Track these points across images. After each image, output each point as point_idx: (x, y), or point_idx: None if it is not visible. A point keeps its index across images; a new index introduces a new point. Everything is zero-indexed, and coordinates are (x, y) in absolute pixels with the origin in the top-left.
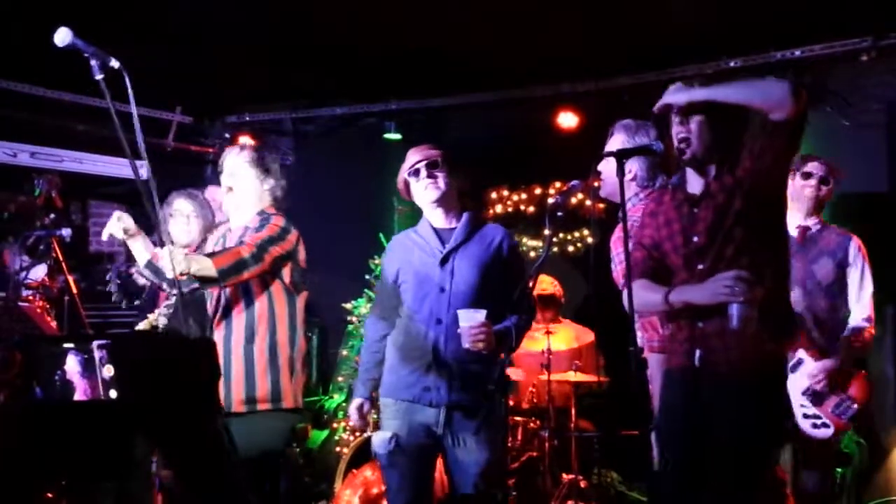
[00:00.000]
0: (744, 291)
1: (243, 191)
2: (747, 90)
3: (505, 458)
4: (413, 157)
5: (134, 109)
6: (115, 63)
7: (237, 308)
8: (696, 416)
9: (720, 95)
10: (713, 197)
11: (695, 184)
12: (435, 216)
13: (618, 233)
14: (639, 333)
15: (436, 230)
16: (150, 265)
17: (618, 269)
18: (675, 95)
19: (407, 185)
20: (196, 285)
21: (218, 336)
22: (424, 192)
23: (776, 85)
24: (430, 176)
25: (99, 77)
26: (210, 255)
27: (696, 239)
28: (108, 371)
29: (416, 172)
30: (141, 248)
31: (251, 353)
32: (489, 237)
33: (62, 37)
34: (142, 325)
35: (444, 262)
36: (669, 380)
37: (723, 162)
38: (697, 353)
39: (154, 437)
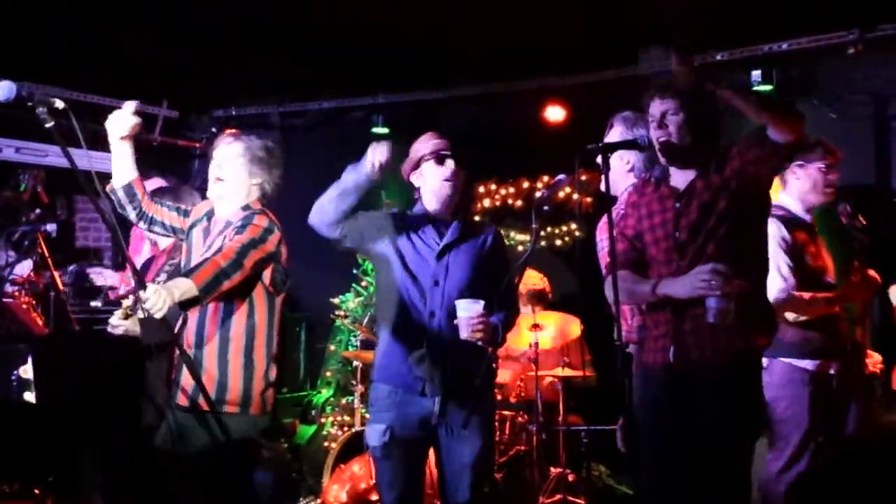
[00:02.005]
0: (720, 285)
1: (231, 183)
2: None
3: (492, 451)
4: (436, 142)
5: (84, 147)
6: (60, 104)
7: (215, 303)
8: (672, 411)
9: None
10: (698, 195)
11: (678, 178)
12: (436, 206)
13: (604, 220)
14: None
15: (432, 220)
16: (129, 188)
17: (602, 253)
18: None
19: (416, 165)
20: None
21: (191, 326)
22: (443, 183)
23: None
24: (454, 169)
25: (49, 125)
26: (187, 272)
27: (678, 235)
28: (24, 372)
29: (441, 160)
30: (129, 161)
31: (226, 353)
32: (481, 235)
33: (5, 91)
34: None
35: (440, 255)
36: (645, 375)
37: (707, 160)
38: (672, 349)
39: (78, 437)
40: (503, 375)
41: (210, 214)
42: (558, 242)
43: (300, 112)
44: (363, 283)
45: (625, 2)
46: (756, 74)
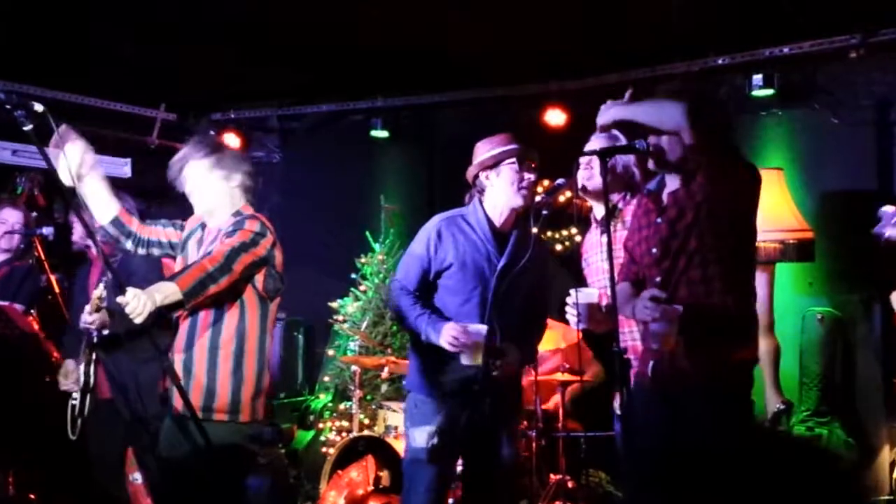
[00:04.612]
0: (652, 312)
1: (213, 196)
2: (649, 110)
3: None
4: (522, 146)
5: (57, 147)
6: (38, 107)
7: (205, 308)
8: (656, 422)
9: (630, 114)
10: (667, 210)
11: (669, 190)
12: (499, 215)
13: (591, 231)
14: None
15: (493, 230)
16: (117, 221)
17: (588, 269)
18: (603, 114)
19: (491, 166)
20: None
21: (181, 331)
22: (519, 192)
23: (670, 107)
24: (535, 179)
25: (28, 128)
26: (173, 276)
27: (654, 251)
28: None
29: (532, 169)
30: (104, 195)
31: (215, 358)
32: (538, 257)
33: None
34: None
35: (498, 276)
36: (635, 386)
37: (685, 173)
38: (651, 362)
39: None
40: None
41: (204, 225)
42: (558, 247)
43: (299, 115)
44: (362, 288)
45: (625, 5)
46: (757, 79)
